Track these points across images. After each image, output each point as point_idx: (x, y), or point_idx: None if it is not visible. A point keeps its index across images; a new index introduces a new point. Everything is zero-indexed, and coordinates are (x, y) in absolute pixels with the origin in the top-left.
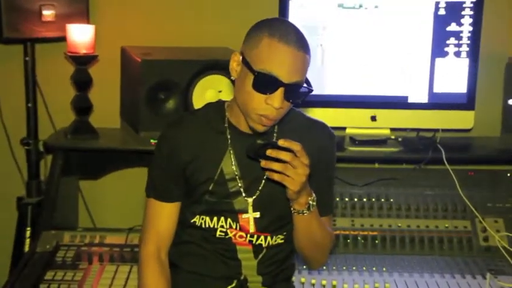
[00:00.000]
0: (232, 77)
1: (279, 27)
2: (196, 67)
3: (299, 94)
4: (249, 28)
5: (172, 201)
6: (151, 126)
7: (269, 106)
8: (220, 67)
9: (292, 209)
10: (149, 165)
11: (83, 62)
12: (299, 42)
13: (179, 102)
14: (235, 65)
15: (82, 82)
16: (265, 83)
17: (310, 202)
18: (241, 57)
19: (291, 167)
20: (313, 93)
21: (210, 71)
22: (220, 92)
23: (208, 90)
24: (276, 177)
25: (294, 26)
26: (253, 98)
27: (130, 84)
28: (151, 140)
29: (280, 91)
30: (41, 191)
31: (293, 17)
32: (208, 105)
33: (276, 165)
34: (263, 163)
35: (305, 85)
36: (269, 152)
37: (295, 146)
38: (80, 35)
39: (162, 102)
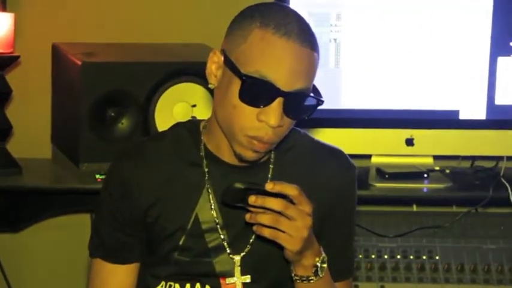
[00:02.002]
0: (210, 85)
1: (275, 14)
2: (160, 72)
3: (304, 107)
4: (233, 17)
5: (127, 262)
6: (97, 156)
7: (263, 124)
8: (194, 72)
9: (293, 275)
10: (94, 211)
11: None
12: (303, 35)
13: (136, 122)
14: (214, 68)
15: None
16: (257, 92)
17: (319, 264)
18: (222, 57)
19: (286, 219)
20: (324, 107)
21: (180, 77)
22: (194, 106)
23: (178, 105)
24: (266, 233)
25: (295, 12)
26: (241, 113)
27: (67, 96)
28: (97, 176)
29: (277, 103)
30: None
31: (295, 3)
32: (177, 127)
33: (264, 218)
34: (248, 216)
35: (312, 95)
36: (252, 200)
37: (291, 190)
38: None
39: (111, 122)
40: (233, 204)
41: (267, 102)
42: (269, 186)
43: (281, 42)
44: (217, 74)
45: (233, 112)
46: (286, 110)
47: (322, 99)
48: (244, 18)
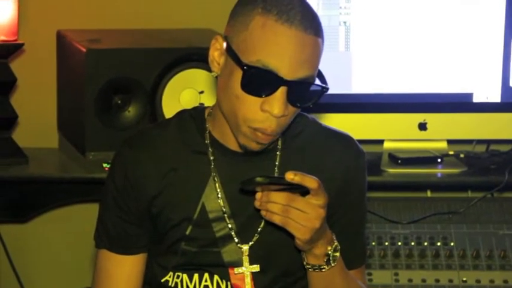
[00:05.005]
0: (213, 73)
1: None
2: (167, 58)
3: (309, 95)
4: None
5: (133, 252)
6: (103, 144)
7: (267, 115)
8: (202, 58)
9: (305, 263)
10: (100, 201)
11: (1, 54)
12: (306, 21)
13: (143, 110)
14: (217, 55)
15: (1, 83)
16: (259, 82)
17: (331, 253)
18: (225, 44)
19: (295, 209)
20: (335, 92)
21: (187, 63)
22: (202, 93)
23: (185, 92)
24: (276, 219)
25: None
26: (244, 103)
27: (72, 84)
28: (104, 165)
29: (281, 92)
30: None
31: None
32: (182, 114)
33: (275, 207)
34: (258, 203)
35: (318, 81)
36: (258, 198)
37: (310, 183)
38: None
39: (118, 110)
40: (252, 191)
41: (270, 91)
42: (289, 177)
43: (283, 29)
44: (220, 61)
45: (236, 102)
46: (290, 99)
47: (327, 86)
48: (246, 4)
